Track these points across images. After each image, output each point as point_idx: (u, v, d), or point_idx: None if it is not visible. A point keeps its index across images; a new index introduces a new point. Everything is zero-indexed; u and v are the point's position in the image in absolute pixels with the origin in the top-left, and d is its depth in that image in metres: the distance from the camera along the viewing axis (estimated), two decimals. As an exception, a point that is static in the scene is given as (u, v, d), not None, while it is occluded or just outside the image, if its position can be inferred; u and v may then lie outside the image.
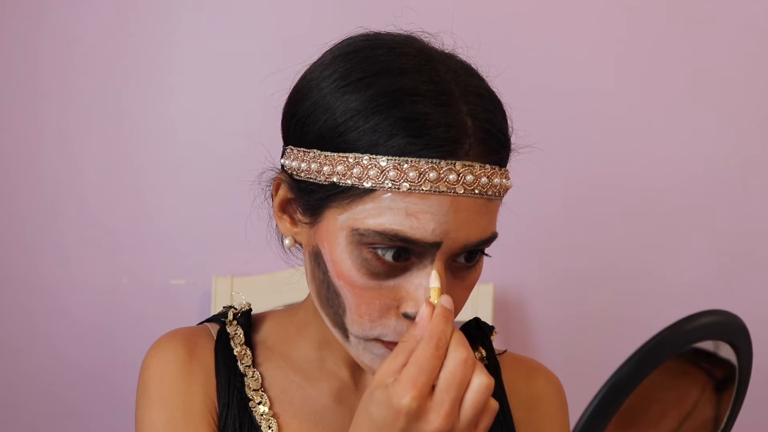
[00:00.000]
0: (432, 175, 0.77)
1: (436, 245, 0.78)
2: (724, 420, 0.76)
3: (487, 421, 0.76)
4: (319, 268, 0.83)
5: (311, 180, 0.82)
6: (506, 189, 0.83)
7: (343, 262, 0.80)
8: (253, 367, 0.94)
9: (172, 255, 1.76)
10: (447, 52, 0.86)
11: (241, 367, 0.93)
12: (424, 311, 0.77)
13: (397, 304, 0.80)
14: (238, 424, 0.90)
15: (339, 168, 0.79)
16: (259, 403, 0.92)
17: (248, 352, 0.94)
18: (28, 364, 1.76)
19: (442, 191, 0.77)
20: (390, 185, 0.77)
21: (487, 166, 0.79)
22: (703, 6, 1.78)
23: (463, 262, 0.81)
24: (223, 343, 0.95)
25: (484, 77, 0.85)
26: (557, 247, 1.81)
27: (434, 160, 0.77)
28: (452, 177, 0.77)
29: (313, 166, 0.81)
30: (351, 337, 0.83)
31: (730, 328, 0.73)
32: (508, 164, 0.84)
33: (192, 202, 1.75)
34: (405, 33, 0.87)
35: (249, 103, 1.69)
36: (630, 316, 1.81)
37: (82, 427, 1.77)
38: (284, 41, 1.72)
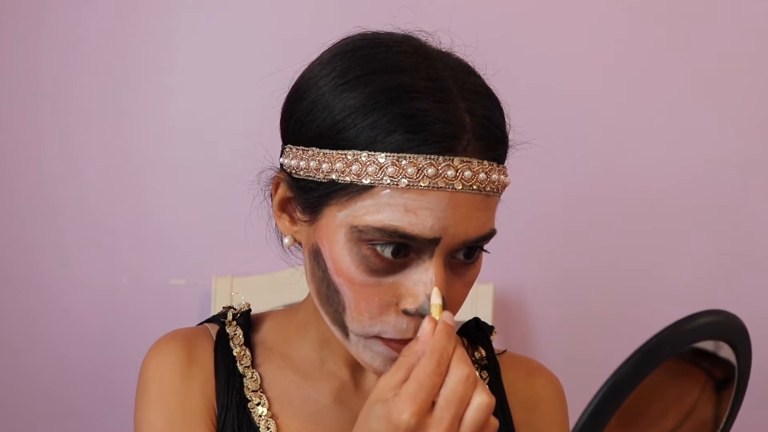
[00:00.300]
0: (430, 170, 0.77)
1: (434, 241, 0.78)
2: (724, 419, 0.76)
3: None
4: (319, 266, 0.83)
5: (310, 178, 0.82)
6: (504, 185, 0.83)
7: (343, 259, 0.80)
8: (253, 367, 0.94)
9: (172, 255, 1.76)
10: (444, 50, 0.86)
11: (240, 368, 0.93)
12: (426, 327, 0.77)
13: (397, 301, 0.80)
14: (236, 426, 0.90)
15: (338, 165, 0.79)
16: (258, 404, 0.92)
17: (247, 352, 0.94)
18: (28, 364, 1.76)
19: (441, 187, 0.77)
20: (388, 181, 0.77)
21: (485, 162, 0.79)
22: (703, 6, 1.78)
23: (462, 259, 0.82)
24: (222, 343, 0.95)
25: (482, 75, 0.85)
26: (557, 247, 1.81)
27: (432, 156, 0.77)
28: (450, 173, 0.77)
29: (312, 164, 0.81)
30: (351, 335, 0.83)
31: (730, 328, 0.73)
32: (507, 162, 0.84)
33: (192, 202, 1.75)
34: (403, 32, 0.87)
35: (249, 102, 1.69)
36: (630, 316, 1.81)
37: (82, 427, 1.77)
38: (284, 41, 1.72)
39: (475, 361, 0.99)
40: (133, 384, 0.94)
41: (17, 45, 1.71)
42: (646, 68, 1.78)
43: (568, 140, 1.77)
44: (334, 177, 0.79)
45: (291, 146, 0.85)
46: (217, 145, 1.74)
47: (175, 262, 1.76)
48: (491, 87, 0.84)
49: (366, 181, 0.78)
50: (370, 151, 0.78)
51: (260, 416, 0.91)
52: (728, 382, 0.76)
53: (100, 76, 1.73)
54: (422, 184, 0.77)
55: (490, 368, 1.00)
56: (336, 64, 0.82)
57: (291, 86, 0.87)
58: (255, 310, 1.00)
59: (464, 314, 1.09)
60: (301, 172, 0.83)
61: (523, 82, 1.64)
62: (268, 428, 0.91)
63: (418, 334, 0.78)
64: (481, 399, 0.74)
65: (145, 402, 0.91)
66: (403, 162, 0.77)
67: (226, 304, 1.13)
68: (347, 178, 0.79)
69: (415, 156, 0.77)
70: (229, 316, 0.97)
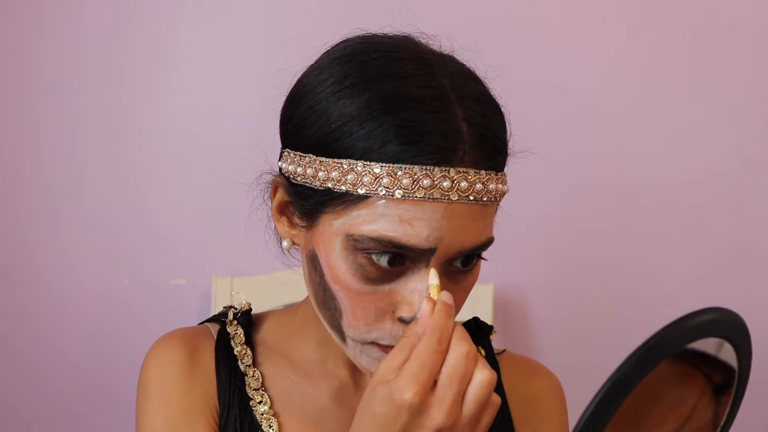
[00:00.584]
0: (426, 182, 0.77)
1: (430, 251, 0.78)
2: (724, 417, 0.76)
3: (489, 415, 0.76)
4: (316, 271, 0.83)
5: (307, 185, 0.82)
6: (503, 194, 0.82)
7: (339, 266, 0.80)
8: (254, 366, 0.94)
9: (173, 255, 1.76)
10: (445, 54, 0.85)
11: (242, 367, 0.94)
12: (425, 307, 0.77)
13: (393, 309, 0.80)
14: (239, 424, 0.90)
15: (334, 174, 0.79)
16: (260, 403, 0.92)
17: (248, 351, 0.94)
18: (28, 364, 1.76)
19: (436, 198, 0.77)
20: (384, 192, 0.77)
21: (482, 171, 0.79)
22: (703, 6, 1.78)
23: (460, 267, 0.81)
24: (223, 342, 0.95)
25: (483, 79, 0.84)
26: (557, 247, 1.81)
27: (428, 167, 0.77)
28: (446, 184, 0.77)
29: (308, 171, 0.81)
30: (348, 340, 0.83)
31: (730, 325, 0.73)
32: (506, 166, 0.84)
33: (192, 202, 1.75)
34: (403, 35, 0.86)
35: (249, 103, 1.69)
36: (630, 316, 1.81)
37: (82, 427, 1.77)
38: (284, 42, 1.72)
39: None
40: (134, 384, 0.94)
41: (17, 45, 1.71)
42: (646, 69, 1.78)
43: (569, 141, 1.77)
44: (330, 185, 0.79)
45: (289, 151, 0.85)
46: (217, 146, 1.74)
47: (175, 262, 1.76)
48: (492, 92, 0.84)
49: (361, 191, 0.78)
50: (365, 161, 0.77)
51: (262, 414, 0.91)
52: (727, 386, 0.76)
53: (99, 77, 1.73)
54: (418, 195, 0.77)
55: (489, 368, 1.00)
56: (334, 69, 0.82)
57: (290, 89, 0.87)
58: (255, 310, 1.00)
59: (464, 314, 1.09)
60: (299, 178, 0.83)
61: (523, 83, 1.64)
62: (270, 426, 0.91)
63: (417, 315, 0.78)
64: (483, 375, 0.74)
65: (147, 401, 0.91)
66: (399, 173, 0.77)
67: (227, 304, 1.13)
68: (343, 187, 0.78)
69: (411, 167, 0.77)
70: (230, 316, 0.97)
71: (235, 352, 0.94)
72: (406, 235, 0.77)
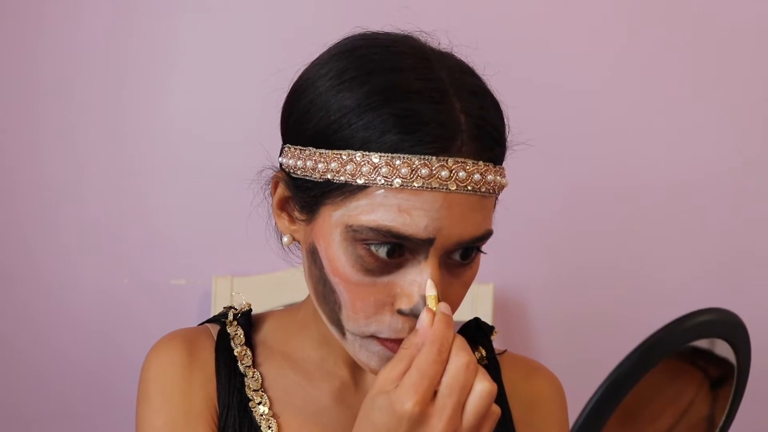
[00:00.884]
0: (424, 171, 0.77)
1: (429, 241, 0.78)
2: (723, 417, 0.77)
3: (489, 426, 0.76)
4: (316, 265, 0.83)
5: (307, 177, 0.82)
6: (501, 186, 0.83)
7: (338, 258, 0.80)
8: (254, 367, 0.94)
9: (173, 255, 1.76)
10: (444, 50, 0.86)
11: (242, 368, 0.94)
12: (424, 318, 0.77)
13: (392, 301, 0.80)
14: (238, 425, 0.90)
15: (333, 165, 0.79)
16: (259, 404, 0.92)
17: (248, 352, 0.94)
18: (28, 364, 1.76)
19: (435, 187, 0.77)
20: (382, 181, 0.77)
21: (481, 162, 0.79)
22: (703, 6, 1.78)
23: (459, 260, 0.81)
24: (223, 343, 0.95)
25: (481, 75, 0.85)
26: (557, 247, 1.82)
27: (426, 157, 0.77)
28: (444, 173, 0.77)
29: (308, 163, 0.81)
30: (347, 334, 0.83)
31: (729, 325, 0.73)
32: (507, 162, 0.84)
33: (192, 202, 1.75)
34: (403, 33, 0.87)
35: (249, 103, 1.69)
36: (630, 316, 1.81)
37: (82, 427, 1.77)
38: (284, 41, 1.72)
39: (474, 361, 0.99)
40: (134, 384, 0.95)
41: (17, 45, 1.71)
42: (646, 68, 1.78)
43: (569, 140, 1.77)
44: (329, 177, 0.80)
45: (289, 146, 0.85)
46: (217, 146, 1.74)
47: (175, 262, 1.76)
48: (490, 88, 0.84)
49: (360, 181, 0.78)
50: (364, 151, 0.78)
51: (261, 415, 0.91)
52: (724, 380, 0.76)
53: (99, 77, 1.73)
54: (416, 185, 0.77)
55: (490, 368, 1.00)
56: (333, 64, 0.83)
57: (290, 86, 0.87)
58: (255, 310, 1.00)
59: (464, 314, 1.09)
60: (299, 172, 0.83)
61: (523, 82, 1.64)
62: (270, 428, 0.91)
63: (417, 326, 0.78)
64: (483, 386, 0.75)
65: (147, 402, 0.91)
66: (397, 162, 0.77)
67: (227, 304, 1.13)
68: (342, 178, 0.79)
69: (409, 156, 0.77)
70: (230, 316, 0.97)
71: (235, 353, 0.94)
72: (405, 225, 0.77)
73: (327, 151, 0.80)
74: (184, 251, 1.76)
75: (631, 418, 0.71)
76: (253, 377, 0.93)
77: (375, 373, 0.83)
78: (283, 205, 0.87)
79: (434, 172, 0.77)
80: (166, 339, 0.95)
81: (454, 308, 0.83)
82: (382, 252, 0.79)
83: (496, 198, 0.84)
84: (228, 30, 1.75)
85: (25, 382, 1.77)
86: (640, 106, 1.79)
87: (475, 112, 0.80)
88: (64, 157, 1.73)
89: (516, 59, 1.69)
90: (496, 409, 0.76)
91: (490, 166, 0.80)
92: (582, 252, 1.82)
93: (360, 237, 0.79)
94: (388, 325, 0.81)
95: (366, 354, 0.83)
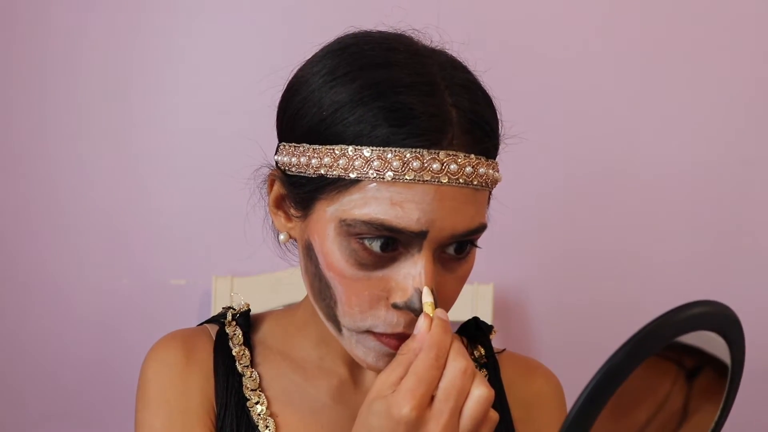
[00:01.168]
0: (415, 164, 0.77)
1: (421, 234, 0.78)
2: (717, 414, 0.76)
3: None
4: (311, 261, 0.84)
5: (301, 174, 0.82)
6: (494, 180, 0.83)
7: (333, 253, 0.81)
8: (252, 367, 0.94)
9: (172, 255, 1.76)
10: (436, 48, 0.86)
11: (239, 368, 0.94)
12: (421, 324, 0.78)
13: (387, 295, 0.81)
14: (235, 425, 0.91)
15: (326, 160, 0.80)
16: (257, 403, 0.92)
17: (246, 352, 0.95)
18: (29, 364, 1.76)
19: (427, 180, 0.78)
20: (374, 175, 0.78)
21: (472, 155, 0.79)
22: (703, 6, 1.78)
23: (453, 254, 0.82)
24: (221, 343, 0.95)
25: (475, 72, 0.85)
26: (557, 246, 1.81)
27: (418, 150, 0.77)
28: (436, 166, 0.77)
29: (302, 160, 0.82)
30: (344, 330, 0.84)
31: (722, 319, 0.73)
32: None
33: (192, 202, 1.75)
34: (396, 31, 0.87)
35: (248, 102, 1.69)
36: (630, 317, 1.80)
37: (82, 427, 1.77)
38: (283, 41, 1.72)
39: (474, 360, 0.99)
40: (133, 384, 0.95)
41: (21, 46, 1.71)
42: (645, 66, 1.78)
43: (568, 139, 1.77)
44: (323, 172, 0.80)
45: (285, 144, 0.86)
46: (217, 145, 1.74)
47: (175, 262, 1.76)
48: (483, 83, 0.85)
49: (353, 175, 0.78)
50: (356, 145, 0.78)
51: (259, 415, 0.91)
52: (699, 370, 0.76)
53: (100, 77, 1.73)
54: (408, 177, 0.77)
55: (489, 367, 1.00)
56: (326, 61, 0.83)
57: (285, 85, 0.88)
58: (255, 310, 1.00)
59: (464, 314, 1.09)
60: (293, 169, 0.84)
61: (522, 81, 1.64)
62: (267, 427, 0.91)
63: (414, 332, 0.78)
64: (480, 392, 0.75)
65: (145, 402, 0.92)
66: (389, 155, 0.77)
67: (226, 304, 1.13)
68: (335, 173, 0.79)
69: (401, 149, 0.77)
70: (229, 317, 0.98)
71: (233, 353, 0.94)
72: (397, 218, 0.78)
73: (320, 146, 0.80)
74: (184, 251, 1.76)
75: (622, 411, 0.70)
76: (250, 377, 0.93)
77: (371, 369, 0.84)
78: (279, 203, 0.88)
79: (426, 164, 0.77)
80: (163, 340, 0.95)
81: (450, 302, 0.84)
82: (376, 246, 0.79)
83: (490, 192, 0.84)
84: (227, 30, 1.75)
85: (25, 382, 1.77)
86: (640, 104, 1.79)
87: (467, 105, 0.80)
88: (65, 157, 1.73)
89: (513, 57, 1.69)
90: (494, 415, 0.77)
91: (482, 160, 0.80)
92: (582, 252, 1.82)
93: (354, 231, 0.79)
94: (383, 319, 0.81)
95: (362, 350, 0.83)
